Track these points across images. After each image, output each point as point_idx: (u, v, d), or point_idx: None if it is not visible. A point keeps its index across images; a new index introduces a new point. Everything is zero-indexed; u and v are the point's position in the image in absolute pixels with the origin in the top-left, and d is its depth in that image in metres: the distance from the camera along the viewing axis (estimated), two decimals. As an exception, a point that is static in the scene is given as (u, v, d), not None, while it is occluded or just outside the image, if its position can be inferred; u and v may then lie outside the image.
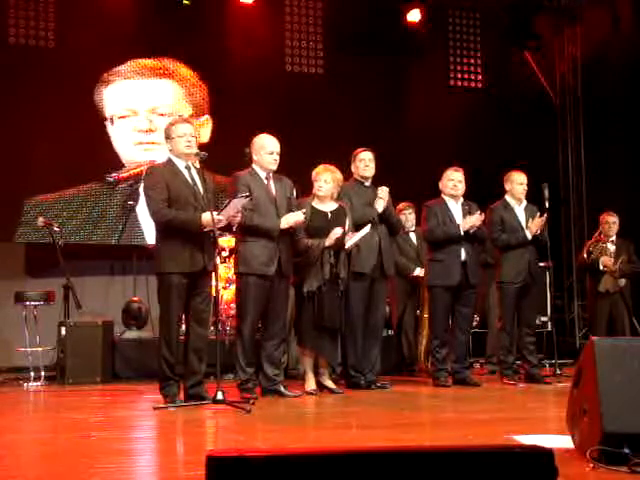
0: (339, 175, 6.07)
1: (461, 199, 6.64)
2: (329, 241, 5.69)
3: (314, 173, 6.02)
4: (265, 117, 9.19)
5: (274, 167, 5.72)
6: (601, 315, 7.99)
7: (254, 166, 5.63)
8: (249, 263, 5.46)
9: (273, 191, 5.59)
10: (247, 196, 5.19)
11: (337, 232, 5.71)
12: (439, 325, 6.59)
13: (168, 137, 5.15)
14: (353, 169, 6.37)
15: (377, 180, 6.41)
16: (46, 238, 7.61)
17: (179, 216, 4.96)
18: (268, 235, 5.44)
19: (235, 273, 5.59)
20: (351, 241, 5.79)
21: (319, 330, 5.79)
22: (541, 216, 6.78)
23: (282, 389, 5.60)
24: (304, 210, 5.65)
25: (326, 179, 5.93)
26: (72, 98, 8.44)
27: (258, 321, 5.57)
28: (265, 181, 5.57)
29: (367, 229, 5.84)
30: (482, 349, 8.17)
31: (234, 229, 5.30)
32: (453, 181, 6.58)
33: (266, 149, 5.59)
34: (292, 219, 5.50)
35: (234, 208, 5.04)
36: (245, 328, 5.48)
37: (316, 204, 5.94)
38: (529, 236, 6.63)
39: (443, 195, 6.64)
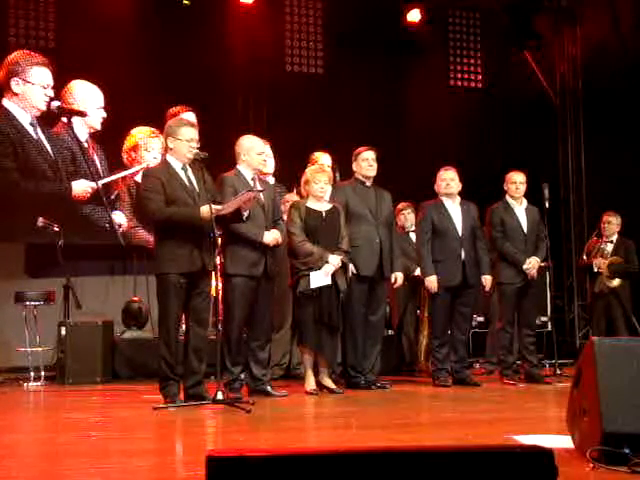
0: (330, 173, 6.14)
1: (458, 198, 6.64)
2: (329, 269, 5.73)
3: (308, 175, 6.01)
4: (265, 117, 9.21)
5: (263, 167, 5.75)
6: (598, 316, 8.00)
7: (240, 167, 5.61)
8: (237, 264, 5.46)
9: (260, 194, 5.60)
10: (259, 191, 5.35)
11: (334, 262, 5.75)
12: (439, 325, 6.59)
13: (172, 136, 5.07)
14: (355, 168, 6.34)
15: (377, 180, 6.40)
16: (46, 238, 7.60)
17: (179, 211, 4.96)
18: (252, 242, 5.47)
19: (222, 274, 5.51)
20: (316, 282, 5.74)
21: (319, 329, 5.79)
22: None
23: (269, 389, 5.61)
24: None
25: (325, 181, 5.94)
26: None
27: (244, 322, 5.57)
28: (251, 182, 5.57)
29: (328, 280, 5.76)
30: (483, 349, 8.18)
31: (244, 218, 5.27)
32: (445, 180, 6.58)
33: (256, 149, 5.60)
34: (277, 238, 5.53)
35: (245, 197, 5.11)
36: (231, 329, 5.48)
37: (311, 204, 5.95)
38: (525, 265, 6.62)
39: (440, 196, 6.64)
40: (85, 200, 8.36)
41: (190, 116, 8.16)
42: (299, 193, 6.43)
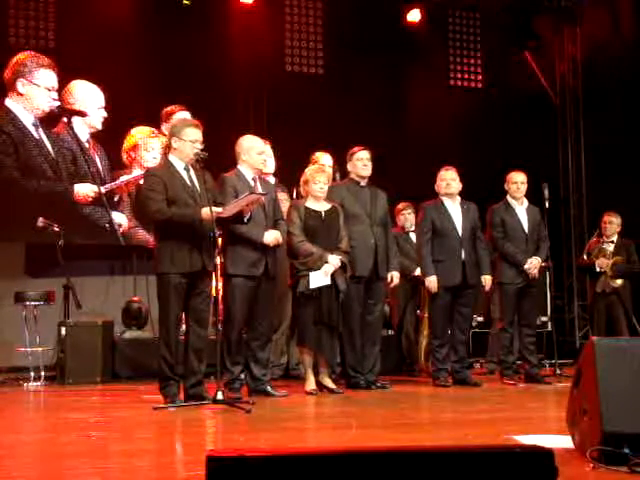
0: (330, 173, 6.14)
1: (458, 198, 6.64)
2: (328, 269, 5.73)
3: (307, 175, 6.00)
4: (265, 117, 9.20)
5: (264, 167, 5.75)
6: (599, 316, 8.00)
7: (240, 167, 5.61)
8: (237, 264, 5.46)
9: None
10: (263, 194, 5.34)
11: (333, 263, 5.75)
12: (439, 325, 6.59)
13: (176, 136, 5.07)
14: (350, 168, 6.33)
15: (377, 180, 6.40)
16: (46, 238, 7.60)
17: (180, 212, 4.96)
18: (252, 242, 5.47)
19: (222, 274, 5.47)
20: (316, 283, 5.74)
21: (319, 329, 5.79)
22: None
23: (269, 389, 5.61)
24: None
25: (324, 181, 5.94)
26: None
27: (244, 322, 5.56)
28: (252, 182, 5.56)
29: (327, 280, 5.76)
30: (483, 349, 8.18)
31: (245, 220, 5.27)
32: (445, 180, 6.59)
33: (256, 149, 5.60)
34: (278, 238, 5.53)
35: (247, 200, 5.11)
36: (231, 329, 5.49)
37: (310, 204, 5.94)
38: (526, 265, 6.62)
39: (440, 196, 6.64)
40: (86, 202, 8.36)
41: (185, 115, 8.18)
42: (299, 193, 6.43)
